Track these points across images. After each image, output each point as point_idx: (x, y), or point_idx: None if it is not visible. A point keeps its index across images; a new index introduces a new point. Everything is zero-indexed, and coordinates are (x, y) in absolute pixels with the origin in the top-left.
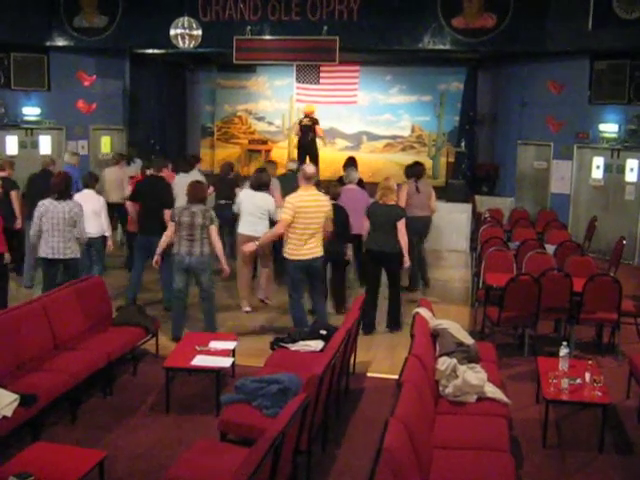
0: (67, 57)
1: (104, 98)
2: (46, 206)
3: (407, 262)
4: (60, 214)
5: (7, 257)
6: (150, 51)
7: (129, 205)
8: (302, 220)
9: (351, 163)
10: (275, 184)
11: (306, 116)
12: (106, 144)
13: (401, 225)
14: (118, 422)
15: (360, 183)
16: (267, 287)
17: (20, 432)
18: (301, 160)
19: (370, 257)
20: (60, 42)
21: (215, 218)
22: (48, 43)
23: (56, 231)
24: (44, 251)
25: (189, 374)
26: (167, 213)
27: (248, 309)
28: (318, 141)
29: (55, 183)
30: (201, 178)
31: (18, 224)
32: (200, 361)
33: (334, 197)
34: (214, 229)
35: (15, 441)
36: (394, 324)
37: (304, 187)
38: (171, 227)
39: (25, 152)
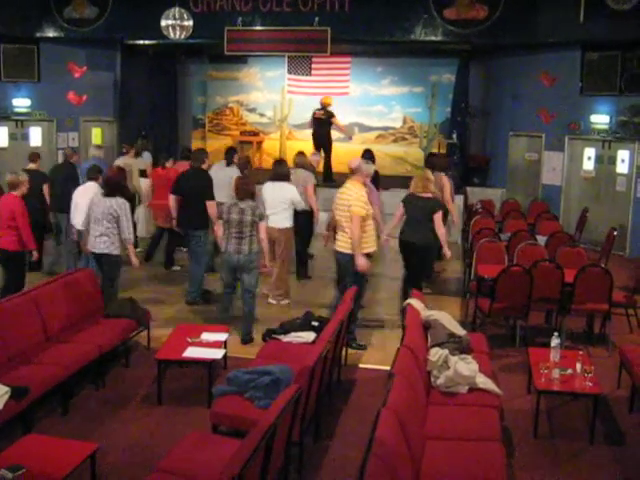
0: (57, 48)
1: (95, 90)
2: (93, 200)
3: (447, 253)
4: (100, 208)
5: (35, 255)
6: (141, 42)
7: (172, 199)
8: (335, 211)
9: (368, 156)
10: (308, 177)
11: (322, 107)
12: (97, 136)
13: (437, 218)
14: (110, 414)
15: (375, 176)
16: (276, 286)
17: (11, 425)
18: (316, 151)
19: (401, 247)
20: (50, 33)
21: (264, 215)
22: (38, 34)
23: (95, 225)
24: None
25: (181, 366)
26: (211, 205)
27: (273, 302)
28: (335, 134)
29: (107, 179)
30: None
31: (52, 217)
32: (192, 353)
33: None
34: (263, 226)
35: (6, 434)
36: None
37: (347, 179)
38: (220, 225)
39: (15, 144)
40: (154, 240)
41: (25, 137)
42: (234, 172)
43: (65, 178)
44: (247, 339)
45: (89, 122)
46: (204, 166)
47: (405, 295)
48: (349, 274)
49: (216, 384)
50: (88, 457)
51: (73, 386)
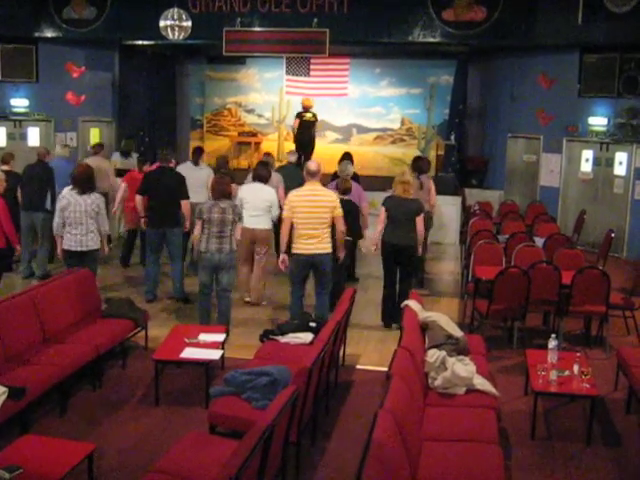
0: (56, 48)
1: (93, 90)
2: (67, 199)
3: (419, 252)
4: (82, 207)
5: (19, 249)
6: (139, 43)
7: (139, 200)
8: (300, 216)
9: (347, 158)
10: (278, 179)
11: (306, 110)
12: (95, 136)
13: (419, 220)
14: (107, 415)
15: (355, 177)
16: (257, 288)
17: (9, 425)
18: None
19: (387, 250)
20: (49, 33)
21: (242, 215)
22: (37, 34)
23: (79, 224)
24: (66, 243)
25: (178, 367)
26: (185, 204)
27: (249, 299)
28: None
29: (76, 176)
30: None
31: (25, 217)
32: (189, 354)
33: (344, 192)
34: (239, 226)
35: (4, 434)
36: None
37: (308, 183)
38: (199, 224)
39: (13, 144)
40: (128, 244)
41: (23, 137)
42: (210, 172)
43: (40, 178)
44: None
45: (87, 122)
46: (171, 165)
47: (386, 297)
48: (330, 271)
49: (214, 385)
50: (85, 457)
51: (71, 386)
